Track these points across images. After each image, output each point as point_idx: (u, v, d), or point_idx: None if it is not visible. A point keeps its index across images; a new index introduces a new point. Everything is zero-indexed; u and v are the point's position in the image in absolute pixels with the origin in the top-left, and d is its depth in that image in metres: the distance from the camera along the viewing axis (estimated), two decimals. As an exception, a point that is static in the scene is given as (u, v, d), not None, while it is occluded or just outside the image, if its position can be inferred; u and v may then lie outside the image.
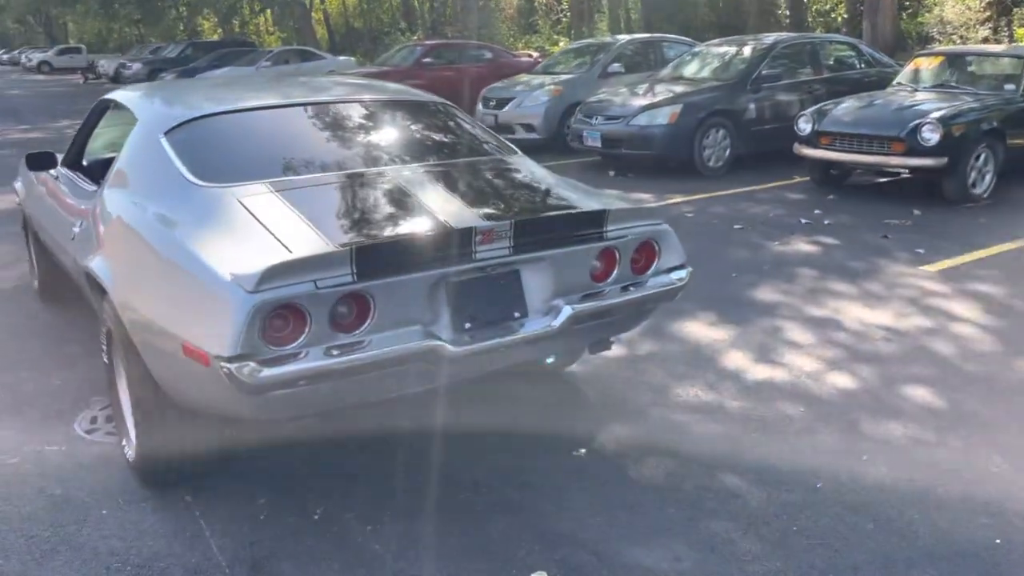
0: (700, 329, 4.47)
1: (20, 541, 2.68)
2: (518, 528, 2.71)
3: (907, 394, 3.63)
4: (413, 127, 3.52)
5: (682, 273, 3.10)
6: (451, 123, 3.63)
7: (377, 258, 2.39)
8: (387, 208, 2.76)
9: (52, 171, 4.12)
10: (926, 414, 3.44)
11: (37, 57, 45.62)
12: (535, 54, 18.78)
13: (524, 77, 12.05)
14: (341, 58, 22.65)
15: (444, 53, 16.28)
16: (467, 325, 2.63)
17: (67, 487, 3.01)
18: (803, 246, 6.13)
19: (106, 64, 30.98)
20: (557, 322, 2.74)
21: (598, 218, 2.82)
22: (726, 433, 3.31)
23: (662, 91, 9.38)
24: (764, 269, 5.55)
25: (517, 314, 2.73)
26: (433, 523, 2.74)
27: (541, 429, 3.38)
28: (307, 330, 2.34)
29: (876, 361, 3.99)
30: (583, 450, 3.20)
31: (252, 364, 2.22)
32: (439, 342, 2.51)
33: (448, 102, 3.88)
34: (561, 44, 22.58)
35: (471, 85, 12.80)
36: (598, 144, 9.27)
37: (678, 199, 7.94)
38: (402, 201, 2.78)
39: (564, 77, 11.39)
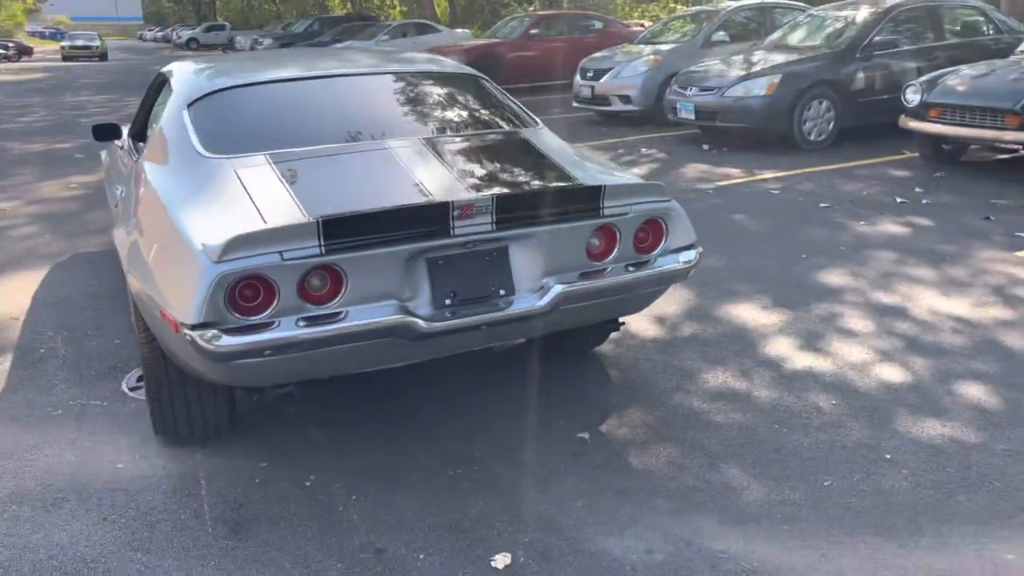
0: (750, 313, 4.26)
1: (38, 488, 2.86)
2: (497, 508, 2.67)
3: (959, 391, 3.33)
4: (431, 99, 3.49)
5: (691, 254, 2.95)
6: (473, 96, 3.58)
7: (346, 231, 2.39)
8: (376, 181, 2.74)
9: (118, 141, 4.34)
10: (974, 414, 3.15)
11: (186, 34, 48.26)
12: (648, 23, 18.30)
13: (625, 47, 11.77)
14: (458, 31, 22.81)
15: (553, 24, 16.12)
16: (447, 301, 2.59)
17: (97, 440, 3.19)
18: (891, 227, 5.72)
19: (242, 40, 32.48)
20: (544, 301, 2.66)
21: (593, 194, 2.71)
22: (744, 424, 3.15)
23: (761, 60, 8.94)
24: (839, 251, 5.22)
25: (503, 291, 2.67)
26: (416, 497, 2.74)
27: (552, 407, 3.31)
28: (276, 301, 2.37)
29: (935, 354, 3.68)
30: (587, 433, 3.12)
31: (213, 332, 2.28)
32: (412, 317, 2.49)
33: (478, 74, 3.82)
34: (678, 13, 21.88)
35: (579, 56, 12.60)
36: (691, 116, 8.95)
37: (767, 175, 7.58)
38: (394, 174, 2.76)
39: (665, 47, 11.04)
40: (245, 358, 2.34)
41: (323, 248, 2.36)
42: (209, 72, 3.53)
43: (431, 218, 2.48)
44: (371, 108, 3.35)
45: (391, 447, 3.07)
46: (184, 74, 3.63)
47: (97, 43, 37.19)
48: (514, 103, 3.69)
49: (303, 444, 3.11)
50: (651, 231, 2.92)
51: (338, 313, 2.45)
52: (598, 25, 16.10)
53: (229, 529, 2.60)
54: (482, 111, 3.47)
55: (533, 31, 15.34)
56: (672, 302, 4.45)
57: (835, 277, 4.75)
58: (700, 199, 6.81)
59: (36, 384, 3.69)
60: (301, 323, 2.40)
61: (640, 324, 4.16)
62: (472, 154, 3.03)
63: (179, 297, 2.35)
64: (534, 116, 3.62)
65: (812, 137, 8.55)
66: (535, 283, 2.72)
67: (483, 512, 2.65)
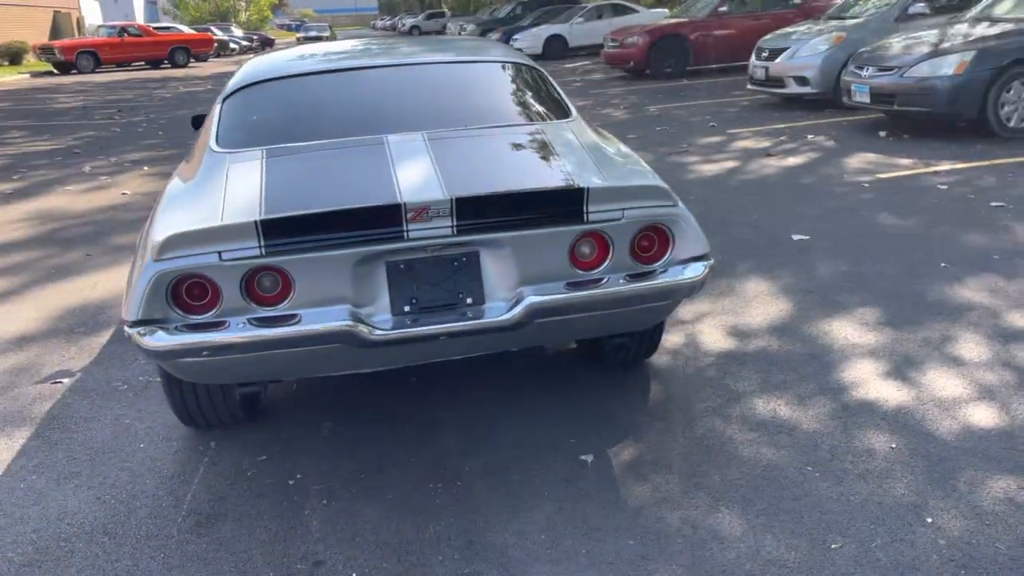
0: (845, 329, 3.73)
1: (64, 460, 3.06)
2: (457, 531, 2.50)
3: (1064, 446, 2.71)
4: (460, 91, 3.32)
5: (698, 267, 2.59)
6: (509, 86, 3.37)
7: (287, 232, 2.31)
8: (353, 178, 2.63)
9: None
10: (1070, 477, 2.54)
11: (409, 22, 50.78)
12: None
13: (807, 23, 10.82)
14: (656, 10, 22.18)
15: (746, 0, 15.18)
16: (406, 308, 2.45)
17: (138, 418, 3.36)
18: (1069, 233, 4.81)
19: (452, 26, 33.65)
20: (510, 314, 2.44)
21: (573, 197, 2.44)
22: (773, 462, 2.74)
23: (955, 35, 7.86)
24: (989, 261, 4.46)
25: (470, 300, 2.48)
26: (383, 510, 2.63)
27: (568, 423, 3.07)
28: (220, 301, 2.34)
29: (1054, 395, 3.02)
30: (591, 456, 2.85)
31: (141, 330, 2.29)
32: (360, 324, 2.37)
33: (527, 62, 3.59)
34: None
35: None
36: (866, 100, 8.06)
37: (943, 167, 6.66)
38: (376, 171, 2.63)
39: (852, 22, 10.03)
40: (182, 357, 2.33)
41: (263, 249, 2.30)
42: (257, 65, 3.58)
43: (382, 221, 2.35)
44: (394, 100, 3.25)
45: (387, 451, 2.98)
46: (245, 66, 3.71)
47: (327, 33, 40.15)
48: (555, 94, 3.43)
49: (308, 440, 3.10)
50: (656, 239, 2.60)
51: (291, 316, 2.39)
52: (798, 0, 14.96)
53: (196, 522, 2.63)
54: (512, 103, 3.27)
55: (722, 8, 14.55)
56: (759, 310, 4.00)
57: (968, 292, 4.05)
58: (849, 193, 6.11)
59: (121, 358, 3.96)
60: (251, 324, 2.36)
61: (711, 333, 3.78)
62: (474, 150, 2.84)
63: (127, 294, 2.39)
64: (571, 107, 3.34)
65: (1012, 124, 7.41)
66: (509, 293, 2.50)
67: (440, 534, 2.49)
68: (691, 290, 2.60)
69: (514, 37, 23.19)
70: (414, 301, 2.45)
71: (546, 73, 3.59)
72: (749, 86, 10.86)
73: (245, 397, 3.06)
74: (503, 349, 2.68)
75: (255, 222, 2.27)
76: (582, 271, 2.55)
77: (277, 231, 2.30)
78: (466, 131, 2.99)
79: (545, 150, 2.83)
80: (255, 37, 39.79)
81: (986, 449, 2.72)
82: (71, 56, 26.15)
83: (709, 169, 7.34)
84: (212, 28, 35.47)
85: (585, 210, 2.46)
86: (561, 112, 3.24)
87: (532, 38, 22.44)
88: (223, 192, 2.60)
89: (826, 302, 4.07)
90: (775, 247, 4.99)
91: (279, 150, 2.85)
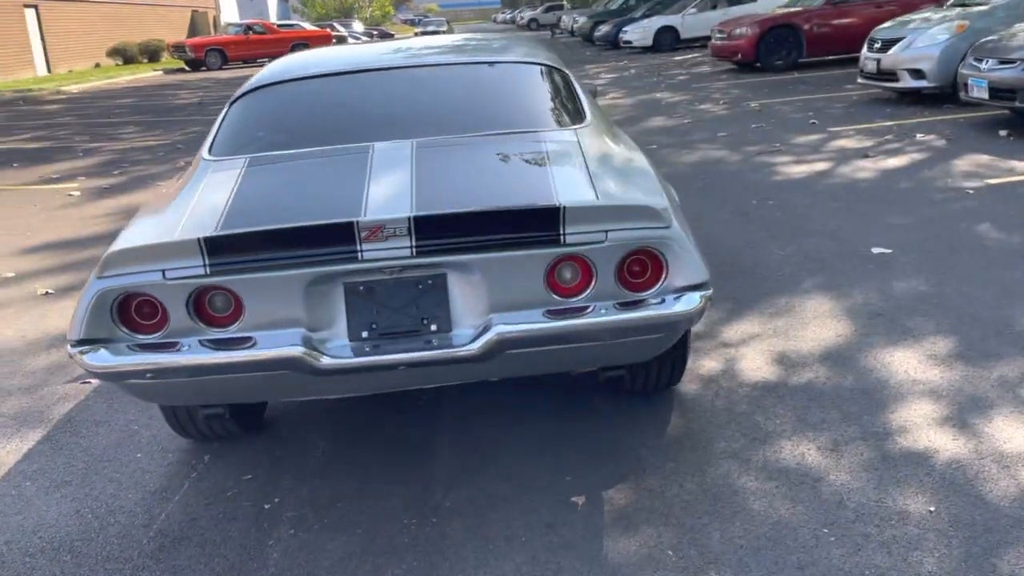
0: (909, 361, 3.30)
1: (61, 466, 3.04)
2: (412, 577, 2.30)
3: None
4: (470, 95, 3.09)
5: (694, 298, 2.27)
6: (524, 90, 3.12)
7: (233, 251, 2.15)
8: (327, 192, 2.45)
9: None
10: None
11: (528, 15, 50.80)
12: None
13: (927, 11, 9.96)
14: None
15: (866, -13, 14.19)
16: (364, 334, 2.26)
17: (145, 425, 3.29)
18: None
19: (566, 19, 33.33)
20: (476, 345, 2.21)
21: (547, 217, 2.18)
22: (785, 520, 2.40)
23: (1092, 23, 7.00)
24: (1098, 284, 3.88)
25: (434, 327, 2.27)
26: (346, 546, 2.46)
27: (568, 455, 2.82)
28: (168, 321, 2.22)
29: None
30: (583, 498, 2.59)
31: (83, 349, 2.19)
32: (311, 351, 2.20)
33: (552, 64, 3.31)
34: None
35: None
36: (984, 95, 7.31)
37: (1063, 172, 5.93)
38: (350, 184, 2.44)
39: (979, 8, 9.15)
40: (125, 379, 2.23)
41: (208, 269, 2.16)
42: (275, 67, 3.46)
43: (334, 240, 2.16)
44: (396, 104, 3.05)
45: (374, 477, 2.81)
46: (265, 68, 3.61)
47: (444, 28, 40.60)
48: (573, 97, 3.15)
49: (300, 459, 2.97)
50: (649, 265, 2.30)
51: (245, 339, 2.25)
52: (924, -14, 13.87)
53: (159, 546, 2.53)
54: (521, 107, 3.01)
55: (836, -3, 13.66)
56: (814, 335, 3.61)
57: (1066, 322, 3.52)
58: (950, 200, 5.52)
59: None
60: (203, 346, 2.23)
61: (753, 359, 3.42)
62: (462, 161, 2.61)
63: (74, 311, 2.30)
64: (587, 112, 3.05)
65: None
66: (479, 320, 2.27)
67: (393, 579, 2.30)
68: (684, 324, 2.29)
69: (624, 29, 22.71)
70: (373, 326, 2.25)
71: (570, 74, 3.32)
72: (859, 80, 10.11)
73: (236, 411, 2.96)
74: (476, 380, 2.46)
75: (198, 240, 2.14)
76: (563, 298, 2.29)
77: (222, 249, 2.15)
78: (461, 139, 2.77)
79: (539, 161, 2.57)
80: (375, 32, 40.68)
81: (1046, 521, 2.30)
82: (200, 53, 27.48)
83: (797, 171, 6.82)
84: (335, 24, 36.50)
85: (562, 231, 2.20)
86: (575, 117, 2.97)
87: (642, 30, 21.90)
88: (191, 205, 2.49)
89: (894, 327, 3.63)
90: (850, 260, 4.53)
91: (262, 159, 2.72)
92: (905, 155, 6.99)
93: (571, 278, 2.29)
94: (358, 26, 40.14)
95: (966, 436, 2.74)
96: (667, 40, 22.00)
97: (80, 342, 2.22)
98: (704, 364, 3.44)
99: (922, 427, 2.82)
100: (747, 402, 3.11)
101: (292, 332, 2.24)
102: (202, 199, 2.49)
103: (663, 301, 2.27)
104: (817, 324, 3.74)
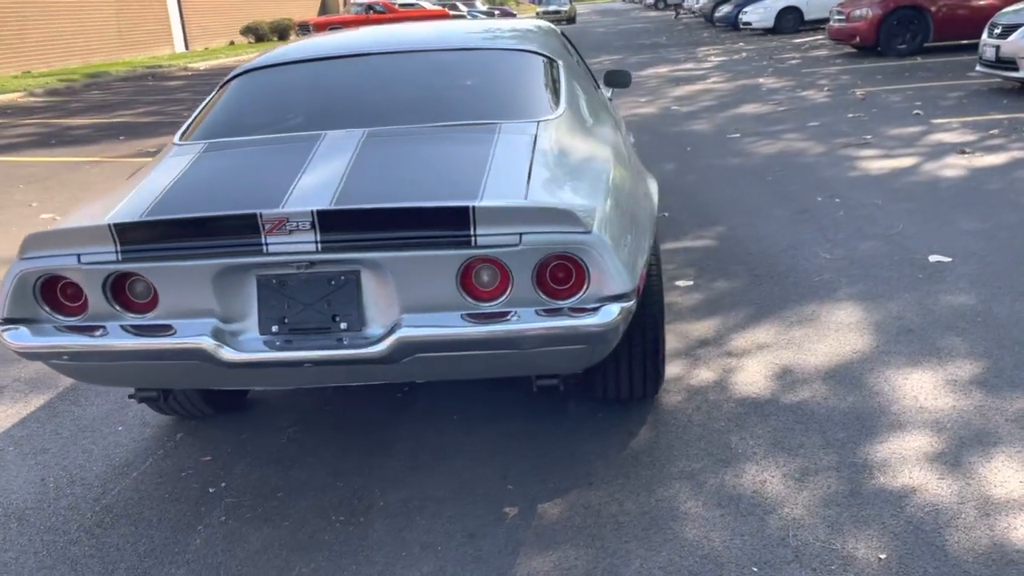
0: (924, 384, 2.99)
1: (47, 434, 3.16)
2: (319, 578, 2.26)
3: None
4: (443, 83, 2.96)
5: (611, 310, 2.09)
6: (501, 78, 2.96)
7: (143, 238, 2.15)
8: (259, 181, 2.41)
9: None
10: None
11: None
12: None
13: (1059, -6, 9.02)
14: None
15: (1007, -35, 13.02)
16: (274, 328, 2.21)
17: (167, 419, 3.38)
18: None
19: (690, 0, 32.36)
20: (380, 347, 2.13)
21: (458, 216, 2.05)
22: (715, 554, 2.21)
23: None
24: None
25: (344, 326, 2.19)
26: (270, 539, 2.44)
27: (521, 461, 2.70)
28: (88, 304, 2.25)
29: None
30: (516, 509, 2.47)
31: (3, 328, 2.24)
32: (216, 344, 2.17)
33: (541, 52, 3.13)
34: None
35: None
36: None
37: None
38: (285, 175, 2.39)
39: (1118, -9, 8.20)
40: (46, 359, 2.27)
41: (119, 255, 2.16)
42: (272, 51, 3.44)
43: (240, 232, 2.12)
44: (368, 91, 2.97)
45: (323, 468, 2.78)
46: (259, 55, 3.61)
47: (566, 7, 40.18)
48: (553, 88, 2.96)
49: (262, 444, 2.98)
50: (574, 272, 2.15)
51: (163, 326, 2.25)
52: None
53: (98, 521, 2.59)
54: (490, 96, 2.87)
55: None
56: (828, 349, 3.33)
57: (1121, 352, 3.10)
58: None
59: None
60: (124, 331, 2.25)
61: (753, 372, 3.19)
62: (405, 153, 2.50)
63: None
64: (564, 102, 2.87)
65: None
66: (391, 320, 2.19)
67: (301, 578, 2.26)
68: (599, 338, 2.12)
69: (744, 10, 21.82)
70: (284, 321, 2.21)
71: (560, 63, 3.14)
72: (978, 68, 9.29)
73: (208, 392, 2.99)
74: (391, 381, 2.37)
75: (109, 226, 2.14)
76: (480, 302, 2.17)
77: (133, 236, 2.15)
78: (415, 129, 2.68)
79: (483, 156, 2.43)
80: (496, 12, 40.78)
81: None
82: (323, 31, 28.31)
83: (878, 166, 6.33)
84: (456, 3, 36.81)
85: (473, 232, 2.07)
86: (545, 109, 2.80)
87: (763, 10, 20.96)
88: (135, 189, 2.51)
89: (922, 346, 3.30)
90: (900, 268, 4.16)
91: (219, 145, 2.71)
92: (1005, 153, 6.37)
93: (489, 282, 2.17)
94: (480, 5, 40.32)
95: (954, 476, 2.45)
96: (790, 21, 21.00)
97: (5, 320, 2.28)
98: (697, 374, 3.24)
99: (908, 461, 2.54)
100: (727, 419, 2.89)
101: (205, 322, 2.22)
102: (148, 184, 2.51)
103: (582, 311, 2.11)
104: (836, 338, 3.44)
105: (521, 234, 2.07)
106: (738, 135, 8.12)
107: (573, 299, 2.14)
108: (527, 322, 2.11)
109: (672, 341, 3.56)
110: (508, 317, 2.15)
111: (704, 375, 3.22)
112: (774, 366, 3.25)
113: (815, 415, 2.86)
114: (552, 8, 40.40)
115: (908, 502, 2.34)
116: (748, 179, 6.32)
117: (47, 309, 2.28)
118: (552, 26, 3.94)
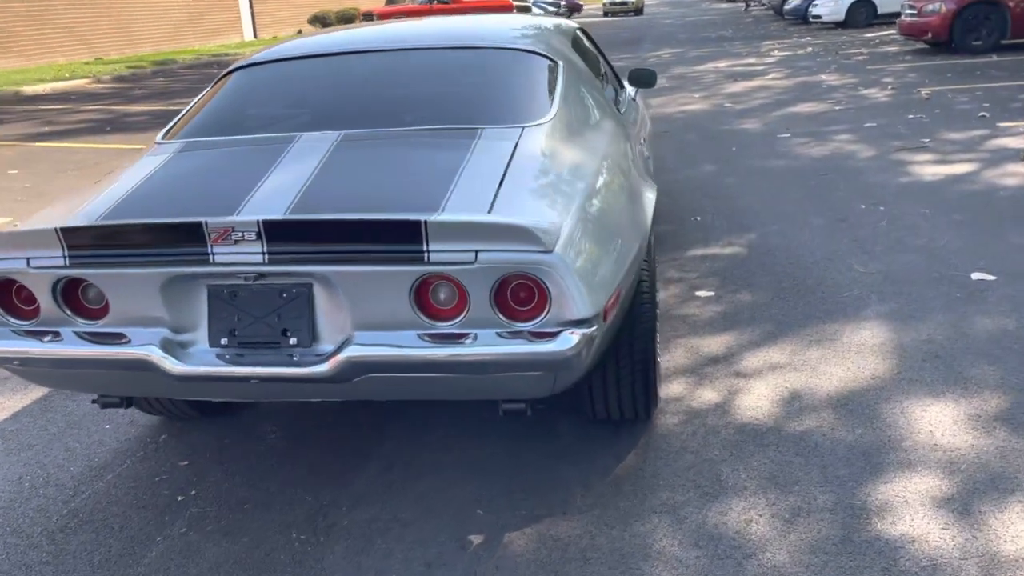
0: (943, 417, 2.75)
1: (37, 429, 3.15)
2: (265, 601, 2.16)
3: None
4: (428, 84, 2.82)
5: (567, 338, 1.93)
6: (493, 79, 2.81)
7: (90, 243, 2.07)
8: (221, 186, 2.31)
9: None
10: None
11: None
12: None
13: None
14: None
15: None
16: (223, 341, 2.12)
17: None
18: None
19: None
20: (325, 366, 2.01)
21: (409, 230, 1.92)
22: (685, 599, 2.04)
23: None
24: None
25: (294, 341, 2.08)
26: (225, 555, 2.36)
27: (496, 484, 2.57)
28: (41, 308, 2.19)
29: None
30: (482, 537, 2.34)
31: None
32: (163, 355, 2.09)
33: (541, 52, 2.96)
34: None
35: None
36: None
37: None
38: (248, 180, 2.28)
39: None
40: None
41: (67, 260, 2.10)
42: (264, 51, 3.35)
43: (186, 240, 2.02)
44: (350, 93, 2.84)
45: (295, 481, 2.69)
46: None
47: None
48: (547, 91, 2.78)
49: (241, 450, 2.91)
50: (536, 293, 2.00)
51: (116, 334, 2.18)
52: None
53: (62, 526, 2.54)
54: (474, 99, 2.71)
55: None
56: (844, 374, 3.11)
57: None
58: (1099, 221, 4.61)
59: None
60: (79, 338, 2.19)
61: (759, 395, 2.99)
62: (375, 160, 2.37)
63: None
64: (555, 108, 2.70)
65: None
66: (342, 337, 2.07)
67: (248, 600, 2.17)
68: (555, 365, 1.96)
69: (814, 2, 21.14)
70: (234, 333, 2.11)
71: (560, 64, 2.96)
72: (1054, 67, 8.75)
73: None
74: (343, 399, 2.25)
75: (55, 230, 2.07)
76: (437, 321, 2.04)
77: (80, 241, 2.08)
78: (392, 133, 2.55)
79: (455, 164, 2.29)
80: (562, 3, 40.43)
81: (1005, 659, 1.80)
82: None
83: (932, 172, 5.98)
84: (523, -6, 36.53)
85: (425, 248, 1.94)
86: (534, 114, 2.64)
87: (834, 3, 20.27)
88: (103, 191, 2.44)
89: (949, 374, 3.05)
90: (938, 286, 3.88)
91: (195, 144, 2.64)
92: (1072, 160, 5.95)
93: (446, 300, 2.03)
94: (546, -4, 39.96)
95: (962, 525, 2.23)
96: (862, 15, 20.27)
97: (-36, 322, 2.24)
98: (700, 394, 3.05)
99: (912, 506, 2.32)
100: (723, 447, 2.71)
101: (155, 332, 2.14)
102: (115, 186, 2.45)
103: (542, 336, 1.96)
104: (855, 361, 3.21)
105: (477, 251, 1.93)
106: (788, 135, 7.80)
107: (534, 322, 1.99)
108: (484, 345, 1.98)
109: (680, 357, 3.38)
110: (465, 339, 2.01)
111: (707, 396, 3.04)
112: (783, 390, 3.04)
113: (818, 448, 2.65)
114: (619, 0, 39.86)
115: (904, 553, 2.14)
116: (791, 183, 6.04)
117: (1, 312, 2.23)
118: (571, 24, 3.76)
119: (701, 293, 4.06)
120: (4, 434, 3.14)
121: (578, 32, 3.74)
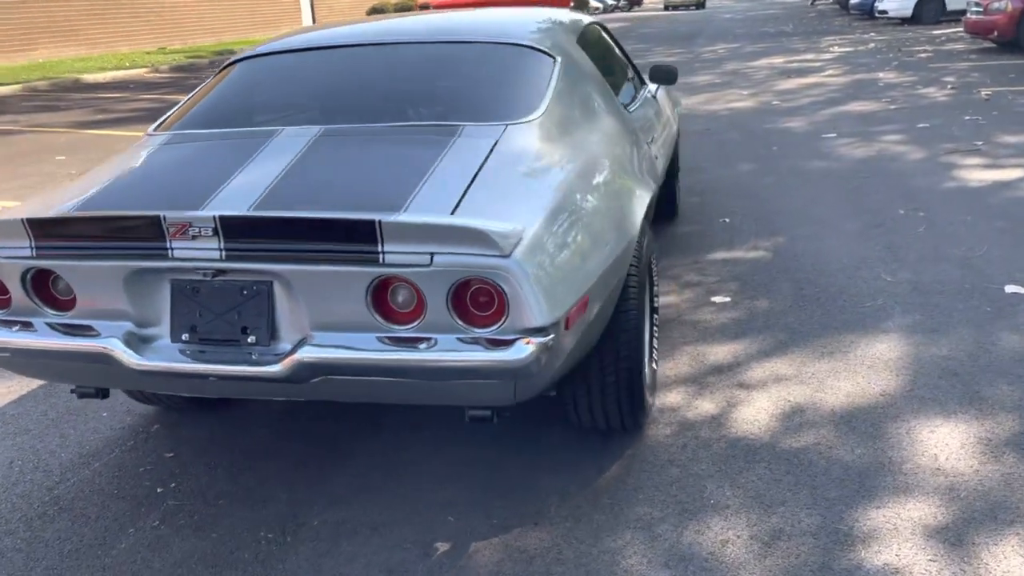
0: (951, 440, 2.60)
1: (37, 414, 3.19)
2: (222, 601, 2.14)
3: None
4: (416, 79, 2.75)
5: (522, 348, 1.85)
6: (482, 76, 2.73)
7: (54, 235, 2.07)
8: (194, 179, 2.28)
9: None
10: None
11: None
12: None
13: None
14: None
15: None
16: (184, 336, 2.09)
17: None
18: None
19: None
20: (276, 368, 1.97)
21: (364, 231, 1.86)
22: (645, 623, 1.95)
23: None
24: None
25: (253, 339, 2.05)
26: (193, 551, 2.34)
27: (472, 491, 2.51)
28: (12, 298, 2.20)
29: None
30: (448, 546, 2.28)
31: None
32: (120, 349, 2.07)
33: (538, 48, 2.87)
34: None
35: None
36: None
37: None
38: (220, 174, 2.26)
39: None
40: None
41: (34, 250, 2.10)
42: (271, 41, 3.33)
43: (146, 234, 2.00)
44: (339, 87, 2.78)
45: (274, 478, 2.67)
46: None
47: (693, -3, 39.00)
48: (539, 87, 2.69)
49: (229, 444, 2.91)
50: (496, 298, 1.92)
51: (84, 326, 2.17)
52: None
53: (42, 513, 2.57)
54: (460, 95, 2.64)
55: None
56: (852, 389, 2.96)
57: None
58: None
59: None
60: (51, 329, 2.19)
61: (759, 408, 2.87)
62: (351, 156, 2.32)
63: None
64: (544, 106, 2.60)
65: None
66: (299, 337, 2.03)
67: (205, 598, 2.16)
68: (508, 374, 1.88)
69: (880, -2, 20.50)
70: (195, 329, 2.09)
71: (556, 60, 2.87)
72: (1125, 68, 8.28)
73: None
74: (301, 399, 2.21)
75: (22, 220, 2.08)
76: (395, 324, 1.98)
77: (45, 232, 2.08)
78: (372, 129, 2.50)
79: (428, 162, 2.22)
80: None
81: None
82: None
83: (980, 177, 5.71)
84: (582, -13, 36.25)
85: (380, 249, 1.88)
86: (521, 111, 2.55)
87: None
88: (84, 181, 2.45)
89: (963, 394, 2.88)
90: (969, 298, 3.69)
91: (181, 137, 2.62)
92: None
93: (404, 303, 1.97)
94: (606, -10, 39.61)
95: (950, 558, 2.09)
96: (931, 11, 19.59)
97: (-63, 310, 2.27)
98: (697, 405, 2.94)
99: (902, 534, 2.19)
100: (712, 461, 2.60)
101: (119, 325, 2.14)
102: (96, 177, 2.45)
103: (499, 343, 1.89)
104: (866, 375, 3.06)
105: (432, 254, 1.87)
106: (834, 135, 7.54)
107: (492, 329, 1.92)
108: (440, 351, 1.91)
109: (683, 365, 3.27)
110: (422, 344, 1.95)
111: (704, 407, 2.93)
112: (785, 404, 2.91)
113: (812, 466, 2.53)
114: (676, -1, 39.28)
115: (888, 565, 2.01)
116: (829, 185, 5.83)
117: (-19, 304, 2.25)
118: (583, 18, 3.66)
119: (717, 298, 3.93)
120: (5, 418, 3.20)
121: (590, 26, 3.64)
